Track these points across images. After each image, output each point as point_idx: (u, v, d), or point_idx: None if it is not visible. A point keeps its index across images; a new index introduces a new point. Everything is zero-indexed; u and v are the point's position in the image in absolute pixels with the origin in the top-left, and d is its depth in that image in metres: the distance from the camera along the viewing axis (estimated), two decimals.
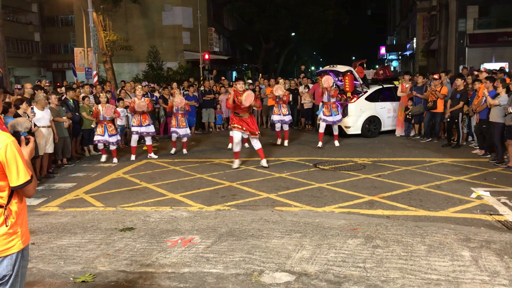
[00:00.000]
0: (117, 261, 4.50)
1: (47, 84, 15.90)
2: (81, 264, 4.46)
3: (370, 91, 13.03)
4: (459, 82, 10.81)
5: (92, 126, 10.73)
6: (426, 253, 4.47)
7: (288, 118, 11.70)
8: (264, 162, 9.24)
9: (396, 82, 13.99)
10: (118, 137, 10.44)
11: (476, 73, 12.80)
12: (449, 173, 8.18)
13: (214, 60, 33.12)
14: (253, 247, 4.75)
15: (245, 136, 9.57)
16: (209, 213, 6.16)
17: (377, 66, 25.91)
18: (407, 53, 42.04)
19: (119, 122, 11.53)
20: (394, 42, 52.12)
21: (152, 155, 10.67)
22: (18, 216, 2.55)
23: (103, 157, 10.28)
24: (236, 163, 9.23)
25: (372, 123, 12.90)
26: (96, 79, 19.70)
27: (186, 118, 11.10)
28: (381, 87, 13.37)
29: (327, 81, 10.96)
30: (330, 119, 11.14)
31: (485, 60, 25.86)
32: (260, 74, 25.72)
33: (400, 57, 47.24)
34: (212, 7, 36.99)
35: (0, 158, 2.40)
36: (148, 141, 10.65)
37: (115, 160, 10.24)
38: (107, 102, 10.33)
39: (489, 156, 9.52)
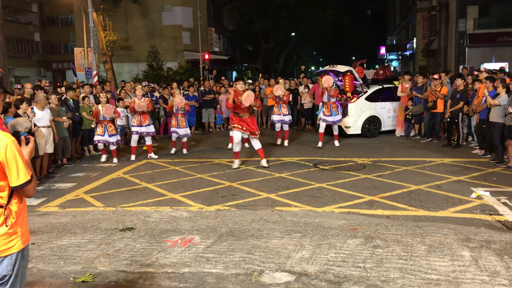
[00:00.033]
0: (117, 261, 4.50)
1: (47, 84, 15.90)
2: (81, 264, 4.46)
3: (370, 91, 13.03)
4: (459, 82, 10.81)
5: (92, 126, 10.73)
6: (426, 253, 4.47)
7: (288, 118, 11.70)
8: (264, 162, 9.24)
9: (396, 82, 13.99)
10: (118, 137, 10.44)
11: (476, 73, 12.80)
12: (449, 173, 8.18)
13: (214, 60, 33.12)
14: (253, 247, 4.75)
15: (245, 136, 9.57)
16: (209, 213, 6.16)
17: (377, 66, 25.91)
18: (407, 53, 42.06)
19: (119, 122, 11.53)
20: (394, 42, 52.14)
21: (152, 155, 10.67)
22: (18, 216, 2.55)
23: (103, 157, 10.28)
24: (236, 163, 9.23)
25: (372, 123, 12.90)
26: (96, 79, 19.70)
27: (186, 118, 11.11)
28: (381, 87, 13.37)
29: (327, 81, 10.96)
30: (330, 119, 11.14)
31: (485, 60, 25.87)
32: (260, 74, 25.73)
33: (400, 57, 47.26)
34: (212, 7, 36.99)
35: (0, 158, 2.40)
36: (148, 141, 10.65)
37: (115, 160, 10.24)
38: (107, 102, 10.33)
39: (489, 156, 9.52)
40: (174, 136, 11.07)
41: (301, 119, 15.58)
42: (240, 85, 9.07)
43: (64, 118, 9.77)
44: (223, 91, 15.76)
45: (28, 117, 7.95)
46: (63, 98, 10.80)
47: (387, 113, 13.14)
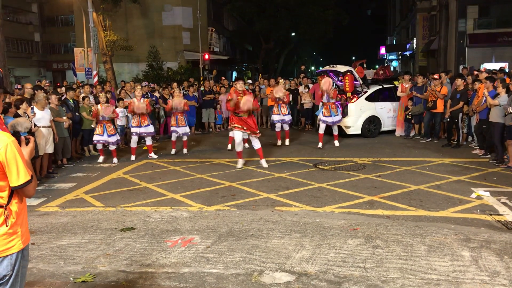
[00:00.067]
0: (117, 261, 4.50)
1: (47, 84, 15.89)
2: (81, 264, 4.46)
3: (370, 91, 13.03)
4: (459, 82, 10.81)
5: (92, 126, 10.73)
6: (426, 253, 4.47)
7: (288, 118, 11.69)
8: (263, 162, 9.25)
9: (396, 82, 13.99)
10: (118, 137, 10.42)
11: (476, 73, 12.81)
12: (449, 173, 8.18)
13: (214, 60, 33.12)
14: (253, 247, 4.75)
15: (245, 137, 9.57)
16: (209, 213, 6.16)
17: (377, 66, 25.91)
18: (407, 53, 42.06)
19: (119, 122, 11.54)
20: (394, 42, 52.14)
21: (152, 155, 10.68)
22: (18, 216, 2.55)
23: (101, 158, 10.23)
24: (240, 162, 9.21)
25: (372, 123, 12.90)
26: (96, 79, 19.70)
27: (185, 117, 11.12)
28: (381, 87, 13.36)
29: (326, 84, 10.93)
30: (329, 119, 11.13)
31: (485, 60, 25.87)
32: (260, 74, 25.72)
33: (400, 57, 47.26)
34: (212, 7, 37.00)
35: (0, 158, 2.41)
36: (148, 141, 10.67)
37: (115, 160, 10.24)
38: (107, 102, 10.33)
39: (489, 156, 9.51)
40: (174, 135, 11.09)
41: (301, 119, 15.58)
42: (239, 85, 9.08)
43: (64, 118, 9.77)
44: (223, 91, 15.76)
45: (28, 117, 7.96)
46: (63, 98, 10.80)
47: (387, 113, 13.13)
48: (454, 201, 6.47)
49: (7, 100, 8.19)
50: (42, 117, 8.83)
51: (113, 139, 10.09)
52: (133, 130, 10.44)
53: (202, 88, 15.70)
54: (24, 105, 8.08)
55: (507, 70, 16.85)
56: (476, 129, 10.24)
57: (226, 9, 39.79)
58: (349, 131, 12.69)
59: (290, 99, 13.38)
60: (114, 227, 5.62)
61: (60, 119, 9.61)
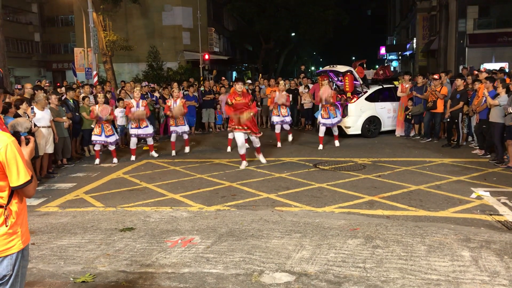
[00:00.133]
0: (117, 261, 4.50)
1: (47, 84, 15.90)
2: (81, 264, 4.46)
3: (370, 91, 13.03)
4: (459, 82, 10.81)
5: (92, 126, 10.71)
6: (426, 253, 4.47)
7: (288, 119, 11.67)
8: (261, 158, 9.34)
9: (396, 82, 13.99)
10: (116, 137, 10.34)
11: (476, 73, 12.80)
12: (449, 173, 8.18)
13: (214, 60, 33.12)
14: (253, 247, 4.75)
15: (245, 136, 9.55)
16: (209, 213, 6.16)
17: (377, 66, 25.92)
18: (407, 53, 42.07)
19: (119, 122, 11.53)
20: (394, 42, 52.15)
21: (153, 153, 10.72)
22: (18, 216, 2.55)
23: (97, 161, 10.14)
24: (243, 164, 9.19)
25: (372, 123, 12.90)
26: (96, 79, 19.69)
27: (184, 116, 11.11)
28: (381, 87, 13.36)
29: (325, 93, 10.91)
30: (328, 121, 11.11)
31: (485, 60, 25.88)
32: (260, 74, 25.70)
33: (400, 57, 47.27)
34: (212, 7, 37.00)
35: (0, 158, 2.41)
36: (149, 141, 10.71)
37: (115, 160, 10.24)
38: (106, 102, 10.32)
39: (489, 156, 9.51)
40: (173, 136, 11.06)
41: (301, 119, 15.58)
42: (239, 86, 9.06)
43: (64, 118, 9.77)
44: (223, 91, 15.76)
45: (28, 117, 7.96)
46: (63, 98, 10.80)
47: (387, 113, 13.13)
48: (454, 201, 6.47)
49: (7, 100, 8.19)
50: (42, 117, 8.83)
51: (112, 139, 10.06)
52: (132, 131, 10.44)
53: (202, 88, 15.70)
54: (24, 105, 8.08)
55: (507, 70, 16.86)
56: (476, 129, 10.24)
57: (226, 9, 39.79)
58: (349, 131, 12.69)
59: (290, 99, 13.37)
60: (114, 227, 5.62)
61: (60, 119, 9.61)
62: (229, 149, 11.27)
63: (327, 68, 13.60)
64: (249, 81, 18.65)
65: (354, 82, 12.67)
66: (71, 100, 10.92)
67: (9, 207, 2.49)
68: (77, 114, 10.81)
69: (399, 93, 12.90)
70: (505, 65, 22.45)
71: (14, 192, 2.51)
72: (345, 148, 11.25)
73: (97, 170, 9.47)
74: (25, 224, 2.63)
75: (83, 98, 11.28)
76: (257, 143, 9.27)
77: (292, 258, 4.43)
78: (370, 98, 12.94)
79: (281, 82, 13.58)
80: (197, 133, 14.99)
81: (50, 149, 9.06)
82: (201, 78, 22.68)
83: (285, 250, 4.64)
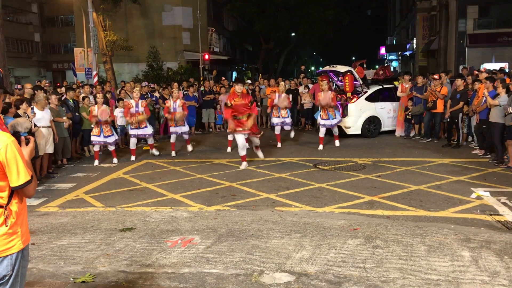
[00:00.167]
0: (117, 262, 4.50)
1: (47, 84, 15.89)
2: (81, 264, 4.46)
3: (370, 91, 13.03)
4: (459, 82, 10.81)
5: (92, 126, 10.71)
6: (426, 253, 4.47)
7: (288, 120, 11.65)
8: (259, 153, 9.41)
9: (396, 82, 13.99)
10: (115, 137, 10.31)
11: (476, 73, 12.80)
12: (449, 173, 8.18)
13: (214, 60, 33.13)
14: (253, 247, 4.75)
15: (245, 136, 9.55)
16: (209, 214, 6.16)
17: (377, 66, 25.92)
18: (407, 53, 42.07)
19: (119, 122, 11.52)
20: (394, 42, 52.16)
21: (154, 151, 10.75)
22: (18, 216, 2.55)
23: (96, 162, 10.10)
24: (244, 164, 9.17)
25: (372, 123, 12.90)
26: (96, 79, 19.70)
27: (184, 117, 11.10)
28: (381, 87, 13.36)
29: (325, 100, 10.92)
30: (328, 122, 11.11)
31: (485, 60, 25.88)
32: (260, 74, 25.71)
33: (400, 57, 47.27)
34: (212, 7, 37.00)
35: (0, 158, 2.41)
36: (150, 141, 10.72)
37: (115, 160, 10.24)
38: (105, 103, 10.30)
39: (489, 156, 9.51)
40: (173, 137, 11.03)
41: (301, 119, 15.58)
42: (238, 87, 9.04)
43: (64, 118, 9.77)
44: (223, 91, 15.76)
45: (28, 117, 7.96)
46: (63, 98, 10.80)
47: (387, 113, 13.13)
48: (454, 201, 6.47)
49: (7, 100, 8.18)
50: (42, 117, 8.83)
51: (110, 139, 10.03)
52: (131, 132, 10.44)
53: (202, 88, 15.71)
54: (24, 105, 8.08)
55: (507, 70, 16.86)
56: (476, 129, 10.23)
57: (226, 9, 39.78)
58: (349, 131, 12.69)
59: (290, 99, 13.36)
60: (114, 227, 5.62)
61: (60, 119, 9.60)
62: (229, 149, 11.27)
63: (327, 68, 13.61)
64: (249, 81, 18.65)
65: (354, 82, 12.67)
66: (71, 100, 10.92)
67: (9, 207, 2.49)
68: (77, 114, 10.81)
69: (399, 93, 12.90)
70: (505, 65, 22.45)
71: (14, 192, 2.51)
72: (345, 148, 11.25)
73: (97, 170, 9.47)
74: (25, 224, 2.63)
75: (83, 98, 11.28)
76: (257, 142, 9.31)
77: (292, 258, 4.43)
78: (370, 98, 12.94)
79: (281, 83, 13.58)
80: (197, 133, 14.99)
81: (50, 149, 9.06)
82: (201, 78, 22.69)
83: (285, 250, 4.64)
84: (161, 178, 8.56)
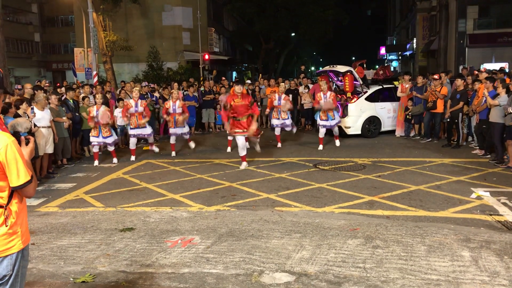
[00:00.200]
0: (117, 262, 4.50)
1: (47, 84, 15.89)
2: (81, 264, 4.46)
3: (370, 91, 13.02)
4: (459, 82, 10.81)
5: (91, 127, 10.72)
6: (426, 254, 4.47)
7: (288, 121, 11.63)
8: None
9: (396, 83, 13.99)
10: (114, 138, 10.29)
11: (476, 73, 12.80)
12: (449, 174, 8.18)
13: (214, 61, 33.13)
14: (253, 248, 4.75)
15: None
16: (209, 214, 6.16)
17: (377, 66, 25.92)
18: (407, 53, 42.07)
19: (119, 122, 11.52)
20: (394, 42, 52.16)
21: (154, 147, 10.78)
22: (18, 216, 2.55)
23: (96, 162, 10.10)
24: (244, 165, 9.17)
25: (372, 123, 12.90)
26: (96, 79, 19.70)
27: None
28: (381, 87, 13.36)
29: (327, 105, 10.93)
30: (327, 123, 11.11)
31: (485, 60, 25.88)
32: (260, 75, 25.71)
33: (400, 57, 47.27)
34: (212, 7, 37.00)
35: (0, 158, 2.41)
36: (150, 140, 10.74)
37: (115, 160, 10.23)
38: (105, 103, 10.30)
39: (489, 156, 9.51)
40: (172, 138, 10.99)
41: (301, 119, 15.58)
42: (238, 87, 9.05)
43: (64, 118, 9.77)
44: (223, 91, 15.75)
45: (28, 117, 7.96)
46: (63, 98, 10.80)
47: (387, 113, 13.13)
48: (454, 202, 6.47)
49: (7, 100, 8.18)
50: (42, 117, 8.83)
51: (109, 140, 10.01)
52: (131, 132, 10.44)
53: (202, 88, 15.71)
54: (24, 105, 8.08)
55: (507, 70, 16.85)
56: (476, 129, 10.23)
57: (226, 9, 39.80)
58: (349, 131, 12.68)
59: (290, 99, 13.35)
60: (114, 227, 5.62)
61: (60, 119, 9.60)
62: (229, 149, 11.26)
63: (327, 68, 13.61)
64: (249, 81, 18.65)
65: (354, 82, 12.67)
66: (71, 100, 10.92)
67: (9, 207, 2.50)
68: (77, 114, 10.82)
69: (399, 93, 12.89)
70: (505, 65, 22.44)
71: (14, 192, 2.51)
72: (345, 148, 11.25)
73: (97, 170, 9.47)
74: (25, 224, 2.63)
75: (83, 98, 11.28)
76: (257, 142, 9.33)
77: (292, 258, 4.43)
78: (370, 98, 12.93)
79: (282, 84, 13.56)
80: (197, 133, 14.99)
81: (50, 149, 9.06)
82: (201, 78, 22.69)
83: (285, 250, 4.64)
84: (161, 178, 8.56)
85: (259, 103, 15.65)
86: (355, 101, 12.66)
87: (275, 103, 11.65)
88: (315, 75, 30.77)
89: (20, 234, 2.55)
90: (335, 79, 13.42)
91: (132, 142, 10.47)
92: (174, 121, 10.72)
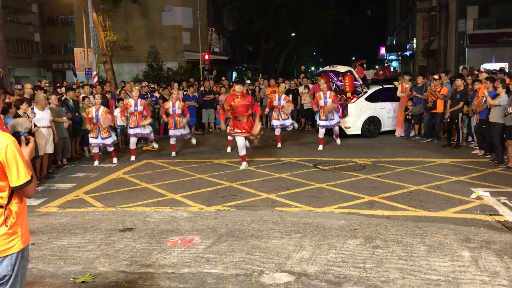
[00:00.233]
0: (117, 262, 4.50)
1: (47, 84, 15.89)
2: (81, 264, 4.46)
3: (370, 91, 13.03)
4: (459, 82, 10.81)
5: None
6: (426, 254, 4.47)
7: (288, 122, 11.62)
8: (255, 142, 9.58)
9: (396, 83, 13.99)
10: (114, 138, 10.25)
11: (476, 73, 12.80)
12: (449, 174, 8.18)
13: (214, 61, 33.12)
14: (253, 248, 4.75)
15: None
16: (209, 214, 6.16)
17: (377, 67, 25.93)
18: (407, 53, 42.07)
19: (118, 122, 11.51)
20: (394, 42, 52.16)
21: (154, 144, 10.85)
22: (18, 216, 2.55)
23: (96, 162, 10.09)
24: (244, 165, 9.17)
25: (372, 123, 12.90)
26: (96, 79, 19.69)
27: (183, 119, 11.03)
28: (381, 87, 13.36)
29: (329, 108, 10.95)
30: (326, 123, 11.11)
31: (485, 61, 25.88)
32: (260, 75, 25.72)
33: (400, 58, 47.26)
34: (212, 7, 37.00)
35: (0, 158, 2.41)
36: (151, 138, 10.77)
37: (115, 160, 10.23)
38: (104, 103, 10.29)
39: (489, 156, 9.51)
40: (172, 140, 10.94)
41: (301, 119, 15.58)
42: (238, 87, 9.05)
43: (64, 118, 9.77)
44: (223, 91, 15.76)
45: (28, 117, 7.96)
46: (63, 98, 10.80)
47: (387, 113, 13.13)
48: (454, 202, 6.47)
49: (7, 100, 8.18)
50: (42, 117, 8.83)
51: (108, 141, 9.98)
52: (131, 131, 10.44)
53: (202, 89, 15.70)
54: (24, 106, 8.08)
55: (507, 70, 16.86)
56: (476, 129, 10.24)
57: (226, 9, 39.80)
58: (349, 131, 12.68)
59: (290, 99, 13.35)
60: (114, 227, 5.62)
61: (60, 120, 9.60)
62: (229, 149, 11.26)
63: (327, 68, 13.61)
64: (249, 81, 18.65)
65: (354, 82, 12.67)
66: (71, 101, 10.92)
67: (9, 207, 2.50)
68: (77, 114, 10.82)
69: (399, 93, 12.90)
70: (505, 65, 22.46)
71: (14, 192, 2.51)
72: (345, 148, 11.25)
73: (97, 170, 9.47)
74: (25, 224, 2.63)
75: (83, 99, 11.28)
76: (255, 142, 9.37)
77: (292, 258, 4.43)
78: (370, 98, 12.94)
79: (282, 84, 13.55)
80: (197, 133, 14.98)
81: (50, 149, 9.06)
82: (201, 78, 22.69)
83: (285, 250, 4.64)
84: (161, 178, 8.56)
85: (259, 103, 15.64)
86: (355, 101, 12.66)
87: (275, 103, 11.65)
88: (315, 75, 30.80)
89: (20, 234, 2.55)
90: (335, 79, 13.42)
91: (132, 141, 10.47)
92: (174, 122, 10.66)
